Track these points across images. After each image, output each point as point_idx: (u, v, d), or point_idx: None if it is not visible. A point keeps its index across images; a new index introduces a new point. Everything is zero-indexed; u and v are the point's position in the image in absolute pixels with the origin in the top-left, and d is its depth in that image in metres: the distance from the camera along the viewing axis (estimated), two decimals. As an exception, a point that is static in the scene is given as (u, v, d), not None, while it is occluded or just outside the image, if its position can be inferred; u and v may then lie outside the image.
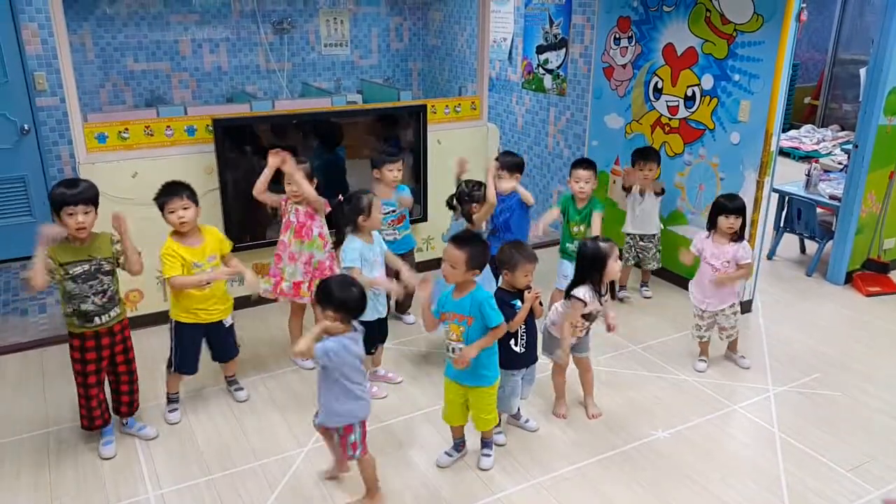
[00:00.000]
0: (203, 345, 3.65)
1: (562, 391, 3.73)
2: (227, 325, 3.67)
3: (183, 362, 3.60)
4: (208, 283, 3.45)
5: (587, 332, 3.58)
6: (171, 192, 3.39)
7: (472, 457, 3.36)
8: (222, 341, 3.69)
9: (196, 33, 6.33)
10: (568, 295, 3.47)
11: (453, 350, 3.10)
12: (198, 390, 3.87)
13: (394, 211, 4.29)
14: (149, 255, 3.46)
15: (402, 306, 4.67)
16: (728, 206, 3.92)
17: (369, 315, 3.71)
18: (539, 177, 6.58)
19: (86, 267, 3.12)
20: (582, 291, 3.40)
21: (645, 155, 4.90)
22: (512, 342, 3.30)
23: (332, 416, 2.93)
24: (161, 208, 3.40)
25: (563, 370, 3.69)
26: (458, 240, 3.07)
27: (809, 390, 3.97)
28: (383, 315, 3.82)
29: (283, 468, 3.29)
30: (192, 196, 3.43)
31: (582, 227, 4.48)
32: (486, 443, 3.36)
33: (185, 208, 3.38)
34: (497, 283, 3.57)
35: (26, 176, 5.43)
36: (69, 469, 3.28)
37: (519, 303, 3.23)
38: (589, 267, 3.41)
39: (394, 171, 4.21)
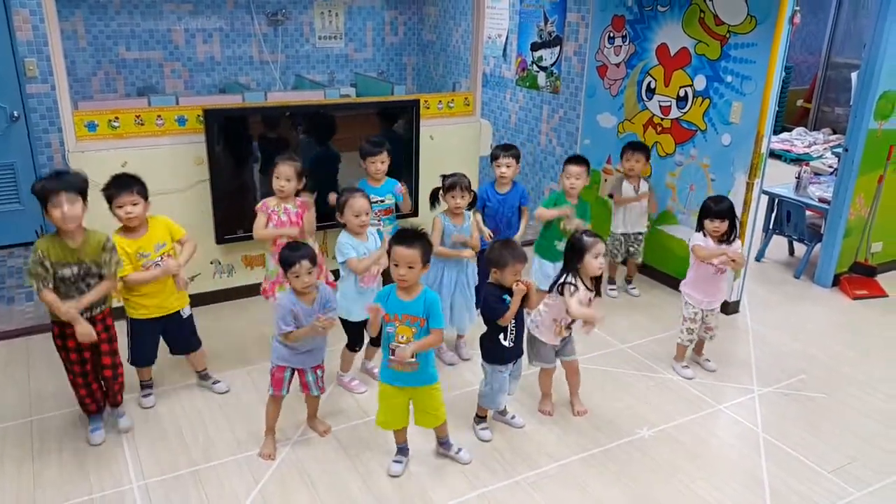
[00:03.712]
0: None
1: (548, 389, 3.74)
2: (185, 316, 3.62)
3: (138, 356, 3.58)
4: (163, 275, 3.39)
5: (570, 334, 3.59)
6: (121, 185, 3.29)
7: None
8: (180, 333, 3.64)
9: (189, 23, 6.29)
10: (552, 288, 3.47)
11: None
12: (183, 382, 3.86)
13: (382, 201, 4.28)
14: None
15: None
16: (713, 208, 3.86)
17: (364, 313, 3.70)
18: (531, 174, 6.58)
19: (74, 270, 3.06)
20: (570, 278, 3.41)
21: (634, 146, 4.93)
22: (501, 336, 3.31)
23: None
24: (109, 201, 3.30)
25: (550, 374, 3.69)
26: (403, 239, 2.93)
27: (794, 391, 3.99)
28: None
29: (269, 460, 3.28)
30: (143, 191, 3.34)
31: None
32: (445, 442, 3.32)
33: (134, 204, 3.30)
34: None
35: (15, 163, 5.41)
36: (53, 458, 3.27)
37: (508, 297, 3.24)
38: (570, 257, 3.43)
39: (377, 164, 4.19)
